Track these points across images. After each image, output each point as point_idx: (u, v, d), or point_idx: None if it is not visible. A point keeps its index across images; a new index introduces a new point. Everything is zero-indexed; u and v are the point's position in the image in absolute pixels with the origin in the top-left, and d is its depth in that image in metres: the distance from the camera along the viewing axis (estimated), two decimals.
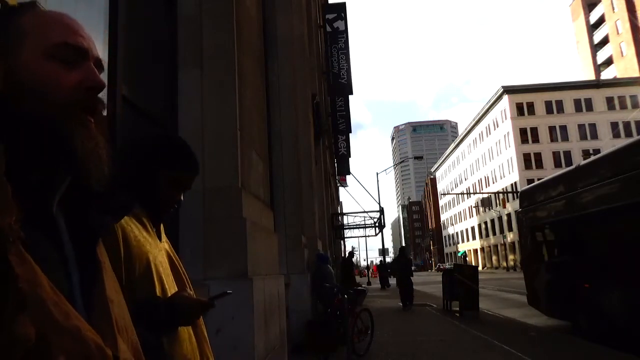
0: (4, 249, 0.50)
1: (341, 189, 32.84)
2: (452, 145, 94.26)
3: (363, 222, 23.09)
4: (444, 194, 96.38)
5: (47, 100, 0.63)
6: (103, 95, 0.73)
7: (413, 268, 15.52)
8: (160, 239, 1.31)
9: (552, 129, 60.97)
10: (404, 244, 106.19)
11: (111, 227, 1.10)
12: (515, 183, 59.27)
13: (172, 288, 1.23)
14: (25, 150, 0.61)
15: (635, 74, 62.20)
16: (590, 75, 74.25)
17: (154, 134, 1.41)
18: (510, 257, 60.39)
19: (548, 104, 61.59)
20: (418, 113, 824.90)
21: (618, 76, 66.70)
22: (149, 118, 2.68)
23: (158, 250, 1.24)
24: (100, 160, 0.67)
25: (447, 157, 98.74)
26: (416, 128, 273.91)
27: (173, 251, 1.39)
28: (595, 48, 75.09)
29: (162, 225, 1.35)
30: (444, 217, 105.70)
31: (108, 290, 0.71)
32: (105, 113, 0.72)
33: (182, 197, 1.33)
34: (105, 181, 0.68)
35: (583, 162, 9.02)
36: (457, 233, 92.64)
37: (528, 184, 21.73)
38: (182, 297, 1.16)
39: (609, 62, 72.11)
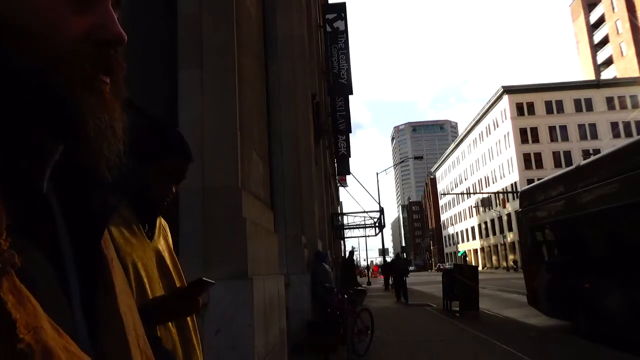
0: None
1: (341, 189, 32.86)
2: (452, 145, 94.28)
3: (363, 222, 23.10)
4: (444, 194, 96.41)
5: (44, 46, 0.42)
6: None
7: (412, 268, 20.32)
8: (152, 237, 1.23)
9: (552, 129, 60.98)
10: (404, 244, 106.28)
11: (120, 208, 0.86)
12: (515, 183, 59.27)
13: (157, 291, 1.14)
14: (7, 119, 0.42)
15: (635, 74, 62.20)
16: (590, 75, 74.26)
17: (140, 124, 1.26)
18: (510, 257, 60.38)
19: (548, 104, 61.60)
20: (417, 113, 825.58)
21: (618, 76, 66.71)
22: (148, 118, 2.68)
23: (143, 251, 1.16)
24: (115, 139, 0.49)
25: (447, 157, 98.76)
26: (416, 128, 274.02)
27: (171, 250, 1.33)
28: (595, 48, 75.10)
29: (158, 223, 1.28)
30: (444, 217, 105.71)
31: (119, 297, 0.54)
32: (123, 72, 0.51)
33: (174, 190, 1.24)
34: (118, 165, 0.50)
35: (583, 162, 9.02)
36: (457, 233, 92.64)
37: (528, 184, 21.73)
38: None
39: (609, 62, 72.12)
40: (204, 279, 1.13)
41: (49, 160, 0.48)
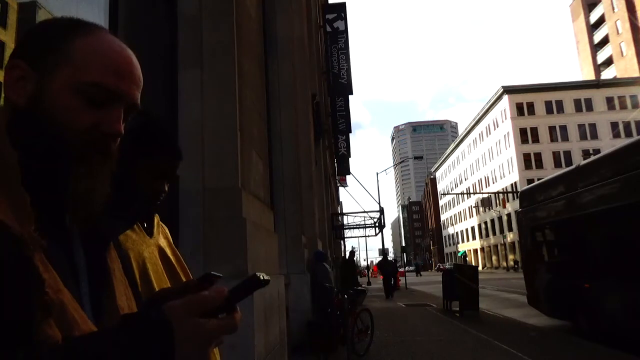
0: (30, 256, 0.52)
1: (341, 189, 32.86)
2: (452, 145, 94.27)
3: (363, 222, 23.09)
4: (444, 194, 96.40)
5: (60, 132, 0.63)
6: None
7: (412, 268, 21.19)
8: (151, 234, 1.25)
9: (552, 129, 60.98)
10: (404, 244, 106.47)
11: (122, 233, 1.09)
12: (515, 183, 59.26)
13: (164, 285, 1.16)
14: (36, 167, 0.62)
15: (635, 74, 62.19)
16: (590, 75, 74.26)
17: (131, 125, 1.25)
18: (510, 257, 60.38)
19: (548, 104, 61.60)
20: (416, 113, 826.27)
21: (618, 76, 66.70)
22: (149, 118, 2.68)
23: (145, 247, 1.17)
24: (89, 202, 0.66)
25: (447, 157, 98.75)
26: (416, 128, 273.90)
27: (173, 247, 1.34)
28: (595, 48, 75.09)
29: (156, 220, 1.29)
30: (444, 217, 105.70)
31: (119, 297, 0.70)
32: (115, 154, 0.72)
33: (166, 188, 1.24)
34: (92, 221, 0.68)
35: (583, 162, 9.02)
36: (457, 233, 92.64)
37: (528, 184, 21.73)
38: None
39: (609, 62, 72.12)
40: (212, 272, 1.15)
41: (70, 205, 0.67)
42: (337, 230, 21.41)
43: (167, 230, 1.38)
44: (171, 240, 1.37)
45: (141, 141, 1.20)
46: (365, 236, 26.45)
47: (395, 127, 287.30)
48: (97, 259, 0.69)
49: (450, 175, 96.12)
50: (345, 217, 24.46)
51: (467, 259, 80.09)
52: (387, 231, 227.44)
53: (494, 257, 70.70)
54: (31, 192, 0.58)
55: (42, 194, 0.62)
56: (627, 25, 65.28)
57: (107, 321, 0.66)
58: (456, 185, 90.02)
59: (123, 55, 0.69)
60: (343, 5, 21.73)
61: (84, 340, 0.54)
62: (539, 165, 59.62)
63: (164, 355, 0.54)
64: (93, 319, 0.62)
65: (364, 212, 23.29)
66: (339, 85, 21.31)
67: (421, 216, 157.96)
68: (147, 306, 0.75)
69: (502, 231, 64.11)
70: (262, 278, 0.63)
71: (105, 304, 0.68)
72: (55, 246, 0.61)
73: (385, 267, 20.84)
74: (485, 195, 66.73)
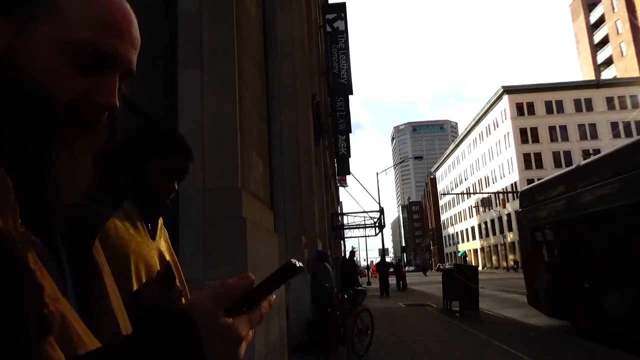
0: (20, 257, 0.41)
1: (341, 189, 32.86)
2: (452, 145, 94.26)
3: (363, 222, 23.09)
4: (444, 194, 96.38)
5: (39, 100, 0.49)
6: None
7: (412, 268, 24.71)
8: (155, 237, 1.25)
9: (552, 129, 60.97)
10: (404, 244, 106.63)
11: (108, 220, 1.02)
12: (515, 183, 59.26)
13: None
14: (10, 145, 0.48)
15: (635, 74, 62.19)
16: (590, 75, 74.24)
17: (140, 127, 1.34)
18: (510, 257, 60.38)
19: (548, 104, 61.59)
20: (416, 113, 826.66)
21: (618, 76, 66.69)
22: (149, 118, 2.68)
23: (147, 249, 1.18)
24: (72, 191, 0.53)
25: (447, 157, 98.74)
26: (416, 128, 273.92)
27: (172, 252, 1.34)
28: (595, 48, 75.08)
29: (159, 223, 1.30)
30: (444, 217, 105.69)
31: (112, 298, 0.60)
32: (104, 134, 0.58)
33: (176, 186, 1.27)
34: (72, 209, 0.55)
35: (583, 162, 9.02)
36: (457, 233, 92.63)
37: (528, 184, 21.71)
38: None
39: (609, 62, 72.11)
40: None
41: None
42: (337, 230, 21.40)
43: (166, 234, 1.39)
44: (170, 245, 1.38)
45: (152, 141, 1.24)
46: (365, 236, 26.47)
47: (395, 127, 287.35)
48: (81, 255, 0.57)
49: (450, 175, 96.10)
50: (345, 217, 24.47)
51: (467, 259, 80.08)
52: (387, 231, 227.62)
53: (494, 257, 70.69)
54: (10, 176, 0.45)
55: (21, 179, 0.47)
56: (627, 25, 65.27)
57: (104, 328, 0.56)
58: (456, 185, 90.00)
59: (122, 11, 0.56)
60: (343, 5, 21.73)
61: (99, 354, 0.45)
62: (539, 165, 59.61)
63: None
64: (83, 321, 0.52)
65: (364, 212, 23.29)
66: (339, 85, 21.31)
67: (421, 216, 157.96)
68: (165, 308, 0.65)
69: (502, 231, 64.10)
70: (297, 265, 0.57)
71: (97, 305, 0.57)
72: (42, 244, 0.48)
73: (382, 267, 22.70)
74: (485, 195, 66.71)
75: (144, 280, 1.13)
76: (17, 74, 0.49)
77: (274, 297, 0.56)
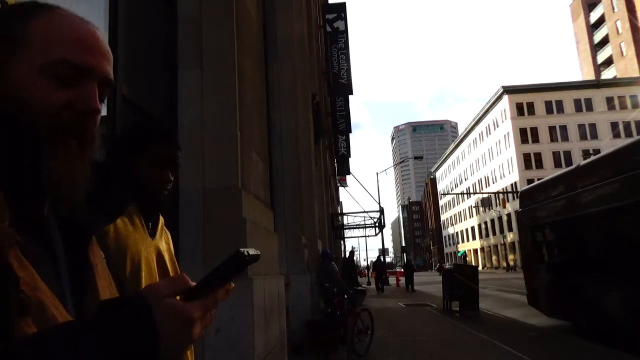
0: (3, 253, 0.49)
1: (341, 189, 32.86)
2: (452, 145, 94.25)
3: (363, 222, 23.10)
4: (444, 194, 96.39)
5: (31, 117, 0.58)
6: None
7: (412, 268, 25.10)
8: (154, 235, 1.26)
9: (552, 129, 60.96)
10: (404, 244, 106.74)
11: (103, 228, 1.07)
12: (515, 183, 59.25)
13: None
14: (10, 157, 0.58)
15: (635, 74, 62.18)
16: (590, 75, 74.24)
17: (128, 125, 1.37)
18: (510, 257, 60.37)
19: (548, 104, 61.58)
20: (415, 113, 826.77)
21: (618, 76, 66.69)
22: (149, 118, 2.68)
23: (145, 247, 1.18)
24: (68, 188, 0.61)
25: (447, 157, 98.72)
26: (416, 128, 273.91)
27: (172, 254, 1.34)
28: (595, 48, 75.07)
29: (160, 223, 1.30)
30: (444, 217, 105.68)
31: (102, 292, 0.68)
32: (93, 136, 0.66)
33: (171, 177, 1.27)
34: (77, 203, 0.64)
35: (583, 162, 9.02)
36: (457, 233, 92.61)
37: (528, 184, 21.72)
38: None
39: (609, 62, 72.10)
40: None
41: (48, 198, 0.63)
42: (337, 230, 21.42)
43: (169, 236, 1.39)
44: (171, 246, 1.37)
45: (136, 136, 1.25)
46: (365, 236, 26.53)
47: (395, 127, 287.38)
48: (78, 254, 0.66)
49: (450, 175, 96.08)
50: (345, 217, 24.50)
51: (467, 259, 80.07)
52: (387, 231, 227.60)
53: (494, 257, 70.68)
54: (2, 182, 0.54)
55: (15, 184, 0.57)
56: (627, 25, 65.26)
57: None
58: (456, 185, 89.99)
59: (86, 28, 0.64)
60: (343, 5, 21.74)
61: (59, 327, 0.52)
62: (539, 165, 59.60)
63: (146, 335, 0.51)
64: (76, 317, 0.60)
65: (364, 212, 23.31)
66: (339, 85, 21.32)
67: (421, 216, 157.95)
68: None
69: (502, 231, 64.09)
70: (246, 254, 0.55)
71: (87, 299, 0.64)
72: (34, 241, 0.57)
73: (378, 267, 25.30)
74: (485, 195, 66.70)
75: (141, 276, 1.13)
76: (8, 95, 0.58)
77: (233, 285, 0.60)
